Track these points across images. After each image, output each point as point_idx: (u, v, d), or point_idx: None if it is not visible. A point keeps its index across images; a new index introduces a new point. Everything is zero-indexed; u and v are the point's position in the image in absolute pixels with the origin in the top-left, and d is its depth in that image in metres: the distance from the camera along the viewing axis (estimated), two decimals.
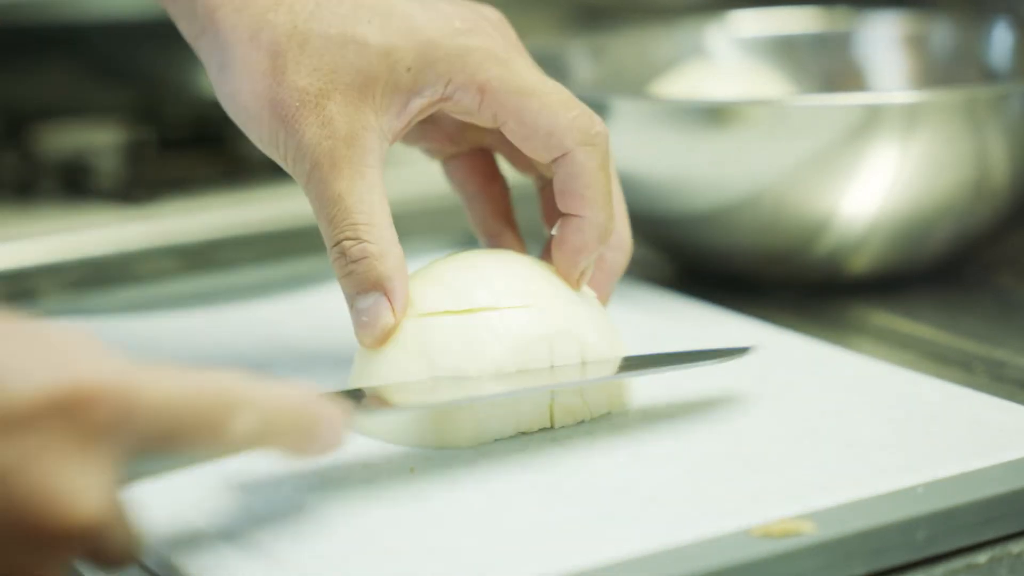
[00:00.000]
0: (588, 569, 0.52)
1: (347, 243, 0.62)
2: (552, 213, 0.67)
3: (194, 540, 0.55)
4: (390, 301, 0.62)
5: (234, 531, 0.55)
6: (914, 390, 0.67)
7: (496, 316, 0.62)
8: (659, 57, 1.01)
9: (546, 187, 0.70)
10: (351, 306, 0.63)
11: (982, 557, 0.56)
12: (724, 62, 1.02)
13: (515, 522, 0.55)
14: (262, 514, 0.57)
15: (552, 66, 0.97)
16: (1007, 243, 0.91)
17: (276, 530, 0.55)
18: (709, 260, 0.87)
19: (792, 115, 0.79)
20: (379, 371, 0.62)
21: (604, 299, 0.68)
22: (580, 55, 1.00)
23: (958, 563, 0.56)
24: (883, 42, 1.01)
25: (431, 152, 0.71)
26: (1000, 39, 0.98)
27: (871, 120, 0.78)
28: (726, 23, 1.04)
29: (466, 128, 0.69)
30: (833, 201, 0.80)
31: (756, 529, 0.54)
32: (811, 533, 0.54)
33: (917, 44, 1.00)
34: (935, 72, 0.99)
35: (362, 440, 0.63)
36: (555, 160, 0.63)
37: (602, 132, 0.63)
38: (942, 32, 1.00)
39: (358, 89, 0.62)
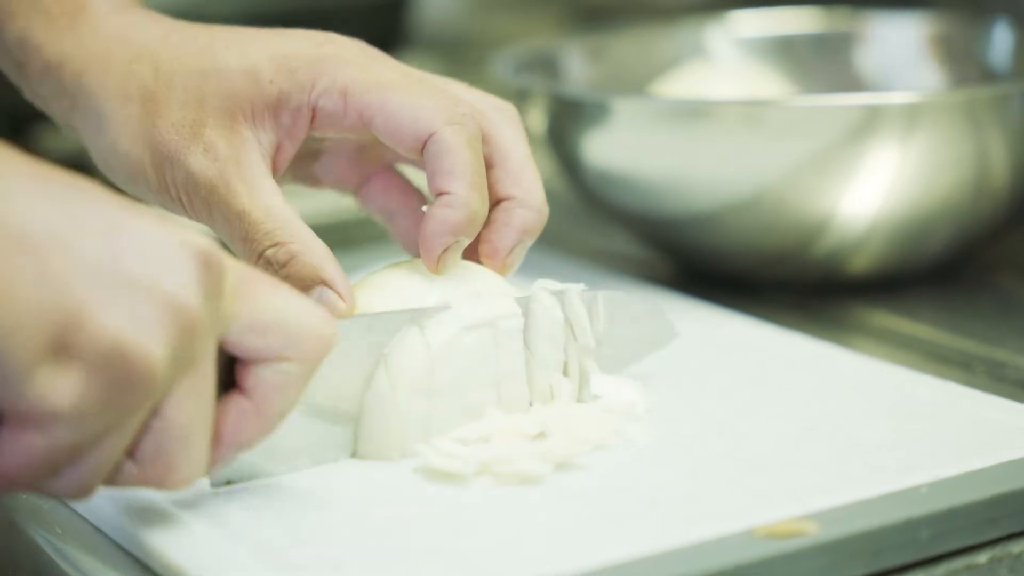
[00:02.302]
0: (591, 570, 0.52)
1: (269, 251, 0.63)
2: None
3: (198, 541, 0.55)
4: (334, 288, 0.63)
5: (238, 532, 0.55)
6: (915, 389, 0.67)
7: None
8: (659, 57, 1.01)
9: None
10: None
11: (982, 557, 0.56)
12: (724, 62, 1.02)
13: (518, 523, 0.55)
14: (265, 515, 0.57)
15: (552, 66, 0.97)
16: (1007, 243, 0.91)
17: (280, 531, 0.55)
18: (709, 260, 0.87)
19: (792, 115, 0.79)
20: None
21: (516, 258, 0.67)
22: (579, 55, 1.00)
23: (958, 563, 0.56)
24: (883, 42, 1.01)
25: (340, 186, 0.72)
26: (1000, 39, 0.98)
27: (871, 120, 0.78)
28: (726, 23, 1.04)
29: (363, 151, 0.70)
30: (833, 201, 0.80)
31: (760, 529, 0.54)
32: (815, 533, 0.54)
33: (917, 44, 1.00)
34: (935, 72, 0.99)
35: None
36: (424, 145, 0.63)
37: (467, 113, 0.64)
38: (942, 32, 1.00)
39: (228, 111, 0.64)
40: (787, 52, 1.02)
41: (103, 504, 0.58)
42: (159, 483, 0.52)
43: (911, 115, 0.78)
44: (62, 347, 0.47)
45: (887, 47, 1.01)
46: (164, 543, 0.55)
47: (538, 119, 0.88)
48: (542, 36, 1.29)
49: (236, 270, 0.53)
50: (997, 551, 0.56)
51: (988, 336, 0.78)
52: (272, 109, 0.64)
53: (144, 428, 0.51)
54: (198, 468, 0.53)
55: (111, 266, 0.48)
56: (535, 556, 0.53)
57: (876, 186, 0.79)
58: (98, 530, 0.58)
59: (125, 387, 0.48)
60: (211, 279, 0.50)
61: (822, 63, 1.02)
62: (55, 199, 0.48)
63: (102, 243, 0.48)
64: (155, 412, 0.51)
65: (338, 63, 0.64)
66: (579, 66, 0.99)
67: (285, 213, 0.63)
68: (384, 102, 0.63)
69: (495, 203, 0.66)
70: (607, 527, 0.55)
